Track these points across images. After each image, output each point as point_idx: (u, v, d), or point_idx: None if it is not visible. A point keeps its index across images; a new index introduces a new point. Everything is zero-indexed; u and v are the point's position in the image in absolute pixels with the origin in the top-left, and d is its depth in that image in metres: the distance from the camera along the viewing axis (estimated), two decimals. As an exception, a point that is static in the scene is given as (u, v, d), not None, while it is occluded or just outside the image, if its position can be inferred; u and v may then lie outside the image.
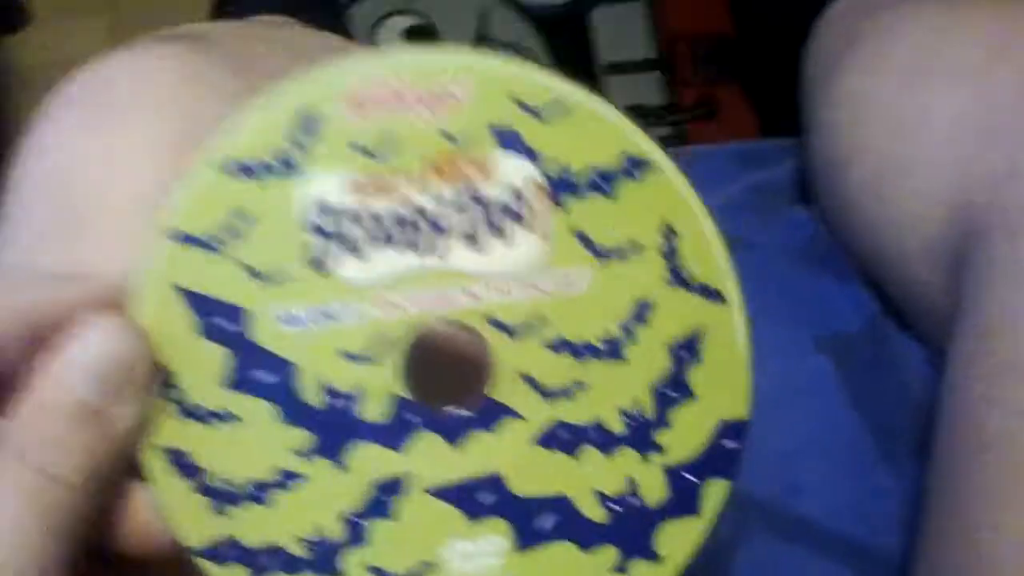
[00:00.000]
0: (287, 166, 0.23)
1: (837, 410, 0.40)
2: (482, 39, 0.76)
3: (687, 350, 0.24)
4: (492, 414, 0.24)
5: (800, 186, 0.47)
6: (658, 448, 0.24)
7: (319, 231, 0.24)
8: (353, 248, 0.24)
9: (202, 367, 0.24)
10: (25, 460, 0.22)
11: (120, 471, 0.23)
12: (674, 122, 0.74)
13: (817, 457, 0.39)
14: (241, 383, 0.24)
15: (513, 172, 0.24)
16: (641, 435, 0.24)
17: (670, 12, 0.77)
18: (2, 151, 0.32)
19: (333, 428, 0.24)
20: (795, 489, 0.38)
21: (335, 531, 0.24)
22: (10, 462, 0.22)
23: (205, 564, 0.24)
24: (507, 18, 0.79)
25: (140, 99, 0.29)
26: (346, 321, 0.24)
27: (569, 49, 0.77)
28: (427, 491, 0.24)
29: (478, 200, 0.24)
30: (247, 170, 0.23)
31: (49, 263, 0.29)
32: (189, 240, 0.23)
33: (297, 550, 0.24)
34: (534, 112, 0.23)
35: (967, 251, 0.35)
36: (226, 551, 0.24)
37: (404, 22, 0.82)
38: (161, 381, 0.24)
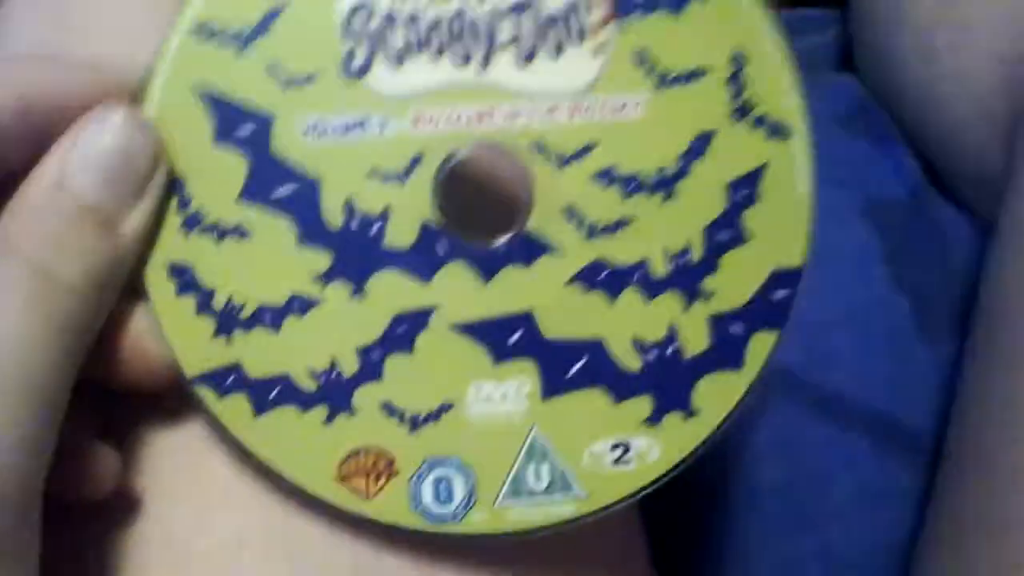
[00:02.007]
0: None
1: (875, 278, 0.38)
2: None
3: (745, 189, 0.22)
4: (529, 248, 0.22)
5: (843, 55, 0.45)
6: (704, 294, 0.23)
7: (353, 33, 0.21)
8: (389, 54, 0.22)
9: (216, 176, 0.22)
10: (25, 258, 0.20)
11: (121, 282, 0.21)
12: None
13: (851, 326, 0.37)
14: (257, 196, 0.22)
15: None
16: (687, 280, 0.22)
17: None
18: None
19: (355, 252, 0.22)
20: (827, 359, 0.37)
21: (349, 364, 0.22)
22: (8, 259, 0.20)
23: (205, 393, 0.22)
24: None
25: None
26: (376, 135, 0.22)
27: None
28: (452, 327, 0.22)
29: (531, 8, 0.22)
30: None
31: (29, 33, 0.27)
32: (212, 34, 0.21)
33: (307, 383, 0.22)
34: None
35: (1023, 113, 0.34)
36: (229, 380, 0.22)
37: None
38: (170, 188, 0.22)
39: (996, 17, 0.35)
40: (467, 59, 0.22)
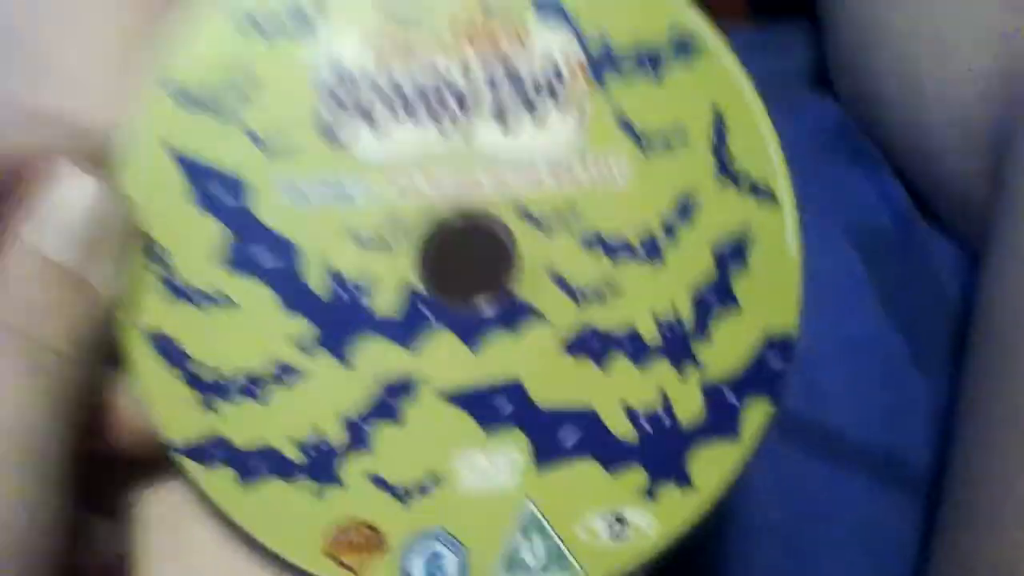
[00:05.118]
0: (302, 23, 0.21)
1: (865, 308, 0.37)
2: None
3: (733, 254, 0.22)
4: (515, 314, 0.22)
5: (818, 73, 0.44)
6: (696, 361, 0.22)
7: (333, 98, 0.21)
8: (370, 119, 0.21)
9: (194, 242, 0.21)
10: (4, 324, 0.19)
11: (102, 345, 0.21)
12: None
13: (845, 360, 0.36)
14: (238, 263, 0.21)
15: (552, 45, 0.21)
16: (678, 346, 0.22)
17: None
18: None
19: (339, 319, 0.22)
20: (819, 395, 0.36)
21: (335, 434, 0.22)
22: None
23: (189, 464, 0.22)
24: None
25: None
26: (358, 201, 0.21)
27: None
28: (439, 395, 0.22)
29: (511, 74, 0.21)
30: (258, 26, 0.21)
31: None
32: (188, 98, 0.21)
33: (292, 453, 0.22)
34: None
35: (1009, 135, 0.33)
36: (213, 451, 0.22)
37: None
38: (147, 253, 0.21)
39: (976, 32, 0.34)
40: (450, 125, 0.21)
